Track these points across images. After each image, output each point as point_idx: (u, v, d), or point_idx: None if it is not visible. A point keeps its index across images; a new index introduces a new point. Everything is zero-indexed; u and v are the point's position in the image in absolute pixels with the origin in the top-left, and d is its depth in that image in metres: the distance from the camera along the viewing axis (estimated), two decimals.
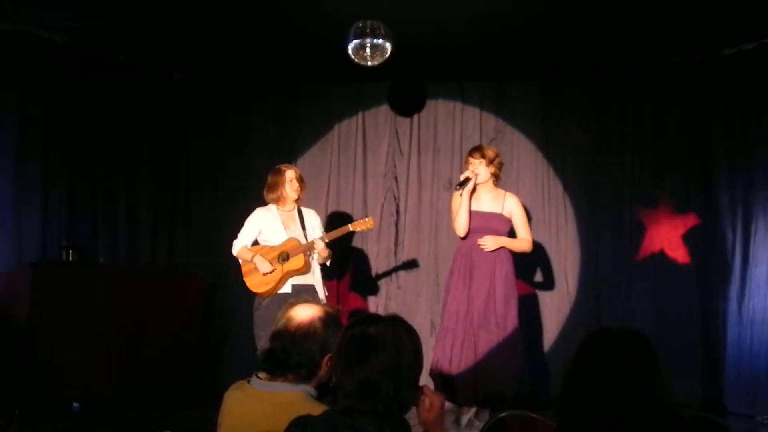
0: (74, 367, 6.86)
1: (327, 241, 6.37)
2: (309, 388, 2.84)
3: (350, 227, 6.52)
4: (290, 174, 6.48)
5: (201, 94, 8.68)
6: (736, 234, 7.34)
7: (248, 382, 2.92)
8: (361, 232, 6.66)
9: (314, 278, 6.44)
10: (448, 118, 8.32)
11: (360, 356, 2.41)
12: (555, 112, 8.11)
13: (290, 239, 6.36)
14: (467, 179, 6.25)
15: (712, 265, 7.51)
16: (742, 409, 7.07)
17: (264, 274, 6.29)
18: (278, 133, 8.56)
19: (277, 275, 6.29)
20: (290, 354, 2.83)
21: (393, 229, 8.34)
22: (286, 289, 6.30)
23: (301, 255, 6.30)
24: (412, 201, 8.31)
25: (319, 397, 2.86)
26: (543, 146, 8.11)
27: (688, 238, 7.66)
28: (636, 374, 2.27)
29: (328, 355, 2.82)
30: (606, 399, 2.26)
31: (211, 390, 7.72)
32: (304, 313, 2.90)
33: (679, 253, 7.69)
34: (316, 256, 6.40)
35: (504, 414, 3.61)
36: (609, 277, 7.85)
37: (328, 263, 6.56)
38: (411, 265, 8.21)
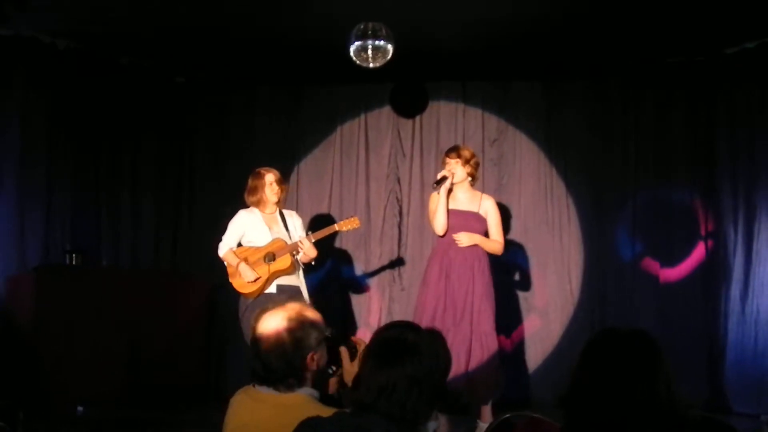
0: (78, 371, 6.86)
1: (313, 240, 6.39)
2: (311, 390, 2.85)
3: (336, 227, 6.53)
4: (270, 177, 6.50)
5: (204, 97, 8.69)
6: (738, 233, 7.34)
7: (254, 386, 2.93)
8: (347, 231, 6.64)
9: (298, 279, 6.47)
10: (450, 119, 8.32)
11: (394, 358, 2.42)
12: (558, 112, 8.11)
13: (276, 239, 6.39)
14: (444, 178, 6.30)
15: (715, 264, 7.50)
16: (746, 409, 7.05)
17: (248, 283, 6.32)
18: (281, 136, 8.57)
19: (263, 276, 6.32)
20: (270, 369, 2.82)
21: (396, 231, 8.33)
22: (272, 289, 6.35)
23: (288, 255, 6.33)
24: (414, 202, 8.31)
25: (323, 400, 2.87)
26: (546, 147, 8.11)
27: (691, 237, 7.65)
28: (643, 375, 2.27)
29: (310, 353, 2.83)
30: (612, 399, 2.26)
31: (215, 393, 7.74)
32: (268, 327, 2.86)
33: (682, 253, 7.68)
34: (301, 255, 6.42)
35: (509, 415, 3.61)
36: (613, 278, 7.84)
37: (313, 263, 6.57)
38: (414, 266, 8.20)
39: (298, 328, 2.84)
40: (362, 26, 6.31)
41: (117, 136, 8.09)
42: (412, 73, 8.01)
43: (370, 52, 6.35)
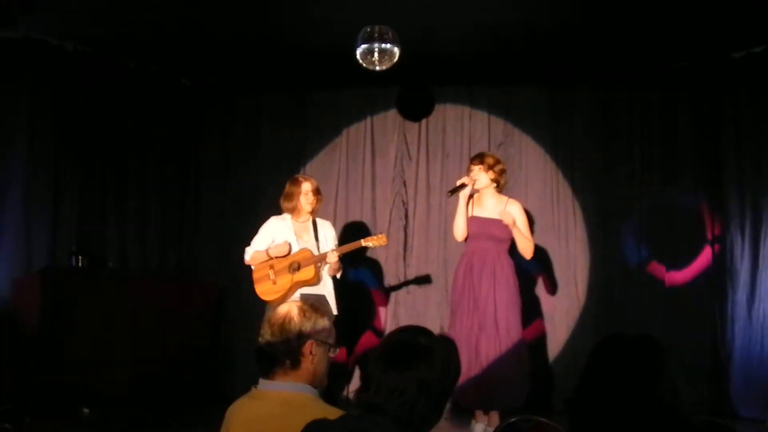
0: (84, 373, 6.86)
1: (339, 254, 6.37)
2: (310, 388, 2.92)
3: (363, 242, 6.50)
4: (306, 186, 6.49)
5: (210, 101, 8.71)
6: (745, 238, 7.33)
7: (254, 387, 2.98)
8: (374, 248, 6.61)
9: (326, 290, 6.45)
10: (456, 122, 8.32)
11: (406, 361, 2.43)
12: (564, 116, 8.11)
13: (303, 249, 6.38)
14: (462, 185, 6.34)
15: (722, 269, 7.49)
16: (752, 414, 7.05)
17: (277, 278, 6.31)
18: (287, 139, 8.57)
19: (286, 284, 6.31)
20: (272, 344, 2.94)
21: (402, 234, 8.34)
22: (295, 298, 6.27)
23: (312, 266, 6.32)
24: (420, 206, 8.31)
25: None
26: (552, 151, 8.11)
27: (697, 242, 7.64)
28: (649, 378, 2.27)
29: (310, 342, 2.92)
30: (619, 403, 2.26)
31: (221, 396, 7.73)
32: (283, 307, 3.03)
33: (688, 258, 7.68)
34: (326, 267, 6.41)
35: (514, 419, 3.61)
36: (619, 282, 7.83)
37: (338, 275, 6.56)
38: (420, 270, 8.21)
39: (309, 313, 2.98)
40: (369, 29, 6.31)
41: (123, 139, 8.11)
42: (418, 76, 8.02)
43: (376, 55, 6.34)
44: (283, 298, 6.25)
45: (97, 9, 6.54)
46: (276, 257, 6.39)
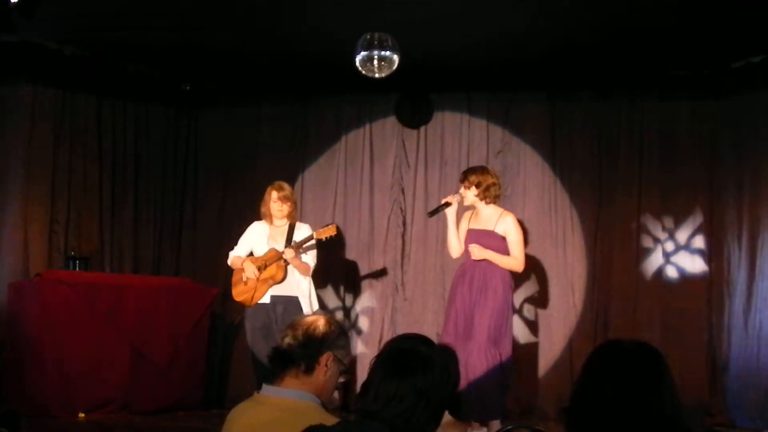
0: (80, 378, 6.86)
1: (295, 249, 6.45)
2: (315, 398, 2.90)
3: (315, 235, 6.59)
4: (274, 195, 6.63)
5: (210, 106, 8.71)
6: (742, 247, 7.34)
7: (257, 391, 2.99)
8: (326, 239, 6.66)
9: (298, 290, 6.56)
10: (455, 130, 8.32)
11: (405, 369, 2.43)
12: (562, 124, 8.10)
13: (270, 249, 6.55)
14: (446, 204, 6.41)
15: (718, 278, 7.50)
16: (748, 423, 7.04)
17: (248, 279, 6.51)
18: (286, 145, 8.58)
19: (253, 284, 6.50)
20: (292, 346, 2.95)
21: (399, 241, 8.33)
22: (265, 299, 6.51)
23: (275, 264, 6.46)
24: (419, 213, 8.30)
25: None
26: (550, 158, 8.10)
27: (695, 251, 7.65)
28: (646, 386, 2.26)
29: (328, 353, 2.92)
30: (615, 411, 2.25)
31: (216, 400, 7.73)
32: (311, 316, 3.08)
33: (685, 267, 7.69)
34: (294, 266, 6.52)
35: (511, 427, 3.62)
36: (615, 290, 7.83)
37: (307, 276, 6.62)
38: (417, 277, 8.20)
39: (334, 327, 3.00)
40: (368, 36, 6.32)
41: (121, 143, 8.11)
42: (417, 83, 8.02)
43: (375, 62, 6.35)
44: (253, 298, 6.51)
45: (96, 13, 6.54)
46: (250, 260, 6.60)
